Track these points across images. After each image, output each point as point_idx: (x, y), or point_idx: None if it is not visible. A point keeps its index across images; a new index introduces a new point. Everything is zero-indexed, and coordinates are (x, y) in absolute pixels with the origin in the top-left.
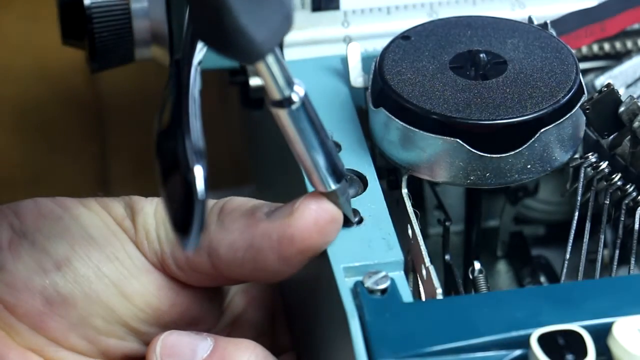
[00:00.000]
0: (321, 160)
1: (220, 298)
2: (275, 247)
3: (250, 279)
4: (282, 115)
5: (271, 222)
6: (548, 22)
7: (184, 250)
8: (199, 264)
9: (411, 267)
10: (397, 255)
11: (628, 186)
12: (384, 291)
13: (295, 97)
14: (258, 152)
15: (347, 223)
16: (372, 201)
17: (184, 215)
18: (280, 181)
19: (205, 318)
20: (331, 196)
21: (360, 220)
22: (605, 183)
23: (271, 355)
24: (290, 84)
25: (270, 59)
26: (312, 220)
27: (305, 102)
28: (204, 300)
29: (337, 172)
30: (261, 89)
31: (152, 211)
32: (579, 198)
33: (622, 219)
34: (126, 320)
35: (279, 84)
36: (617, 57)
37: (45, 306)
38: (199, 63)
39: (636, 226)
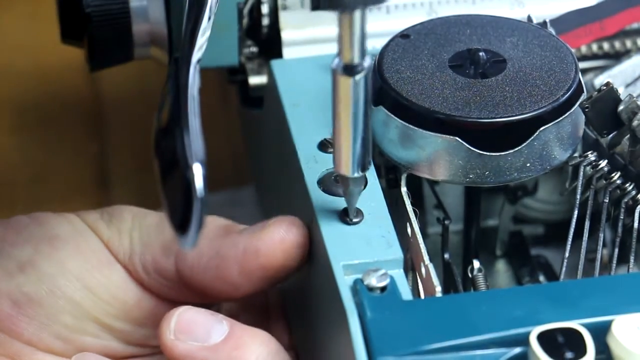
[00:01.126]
0: (359, 142)
1: None
2: (239, 257)
3: (210, 291)
4: (345, 83)
5: (241, 233)
6: (547, 21)
7: (182, 248)
8: (165, 266)
9: (410, 266)
10: (397, 253)
11: (627, 185)
12: (383, 289)
13: (364, 65)
14: (257, 152)
15: (345, 217)
16: (371, 199)
17: (183, 214)
18: (280, 181)
19: None
20: (349, 183)
21: (359, 222)
22: (604, 182)
23: (283, 350)
24: (364, 52)
25: (357, 14)
26: (278, 239)
27: (368, 75)
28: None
29: (365, 162)
30: (260, 88)
31: (130, 216)
32: (578, 197)
33: (622, 217)
34: (95, 315)
35: (355, 47)
36: (617, 57)
37: (14, 309)
38: (198, 61)
39: (635, 225)
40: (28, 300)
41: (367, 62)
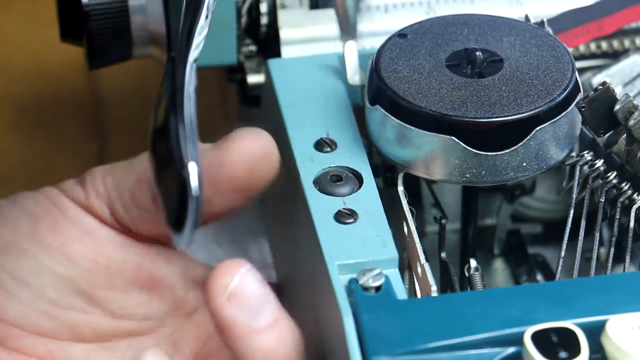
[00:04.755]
0: None
1: (178, 261)
2: (206, 171)
3: None
4: None
5: (209, 149)
6: (545, 20)
7: (177, 247)
8: (142, 196)
9: (407, 265)
10: (392, 252)
11: (624, 184)
12: (378, 288)
13: None
14: None
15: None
16: (367, 199)
17: (178, 212)
18: (276, 180)
19: (166, 281)
20: None
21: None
22: (600, 181)
23: (303, 347)
24: None
25: None
26: (243, 149)
27: None
28: (159, 260)
29: None
30: (259, 87)
31: (102, 170)
32: (574, 196)
33: (618, 217)
34: (80, 286)
35: None
36: (615, 56)
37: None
38: (195, 60)
39: (631, 224)
40: (13, 280)
41: None
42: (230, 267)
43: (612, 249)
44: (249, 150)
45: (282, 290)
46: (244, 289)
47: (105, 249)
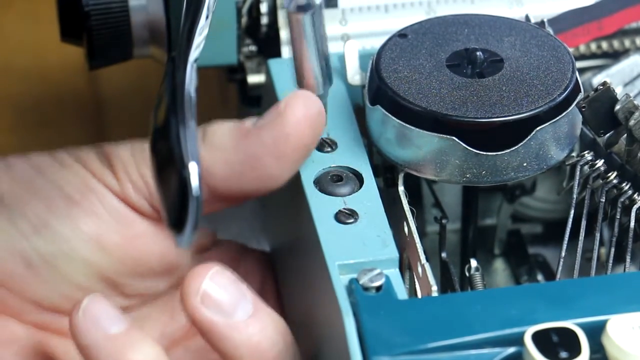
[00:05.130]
0: (317, 66)
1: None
2: (272, 149)
3: (250, 193)
4: (302, 19)
5: (261, 128)
6: (545, 20)
7: (177, 247)
8: None
9: (407, 265)
10: (392, 252)
11: (624, 184)
12: (378, 288)
13: (314, 3)
14: None
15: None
16: (367, 199)
17: (179, 212)
18: None
19: (180, 264)
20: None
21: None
22: (601, 181)
23: (294, 344)
24: None
25: None
26: (302, 116)
27: (319, 10)
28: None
29: (325, 81)
30: (259, 87)
31: (129, 154)
32: (574, 196)
33: (618, 217)
34: (107, 275)
35: None
36: (615, 56)
37: (28, 270)
38: (195, 60)
39: (632, 224)
40: (43, 263)
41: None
42: (199, 271)
43: (613, 249)
44: (308, 115)
45: (282, 289)
46: (215, 289)
47: (138, 241)
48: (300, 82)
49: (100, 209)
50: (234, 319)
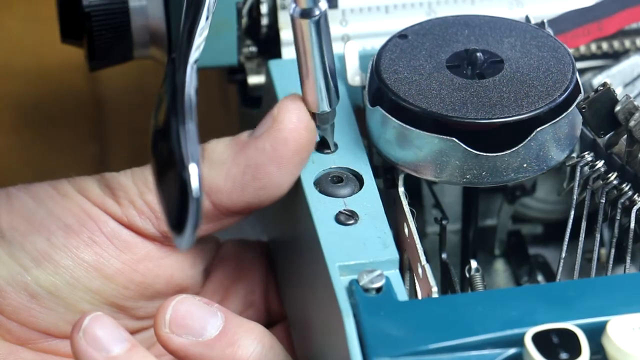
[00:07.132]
0: (325, 79)
1: (201, 262)
2: (272, 155)
3: (255, 203)
4: (305, 25)
5: (259, 137)
6: (545, 21)
7: (178, 249)
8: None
9: (408, 266)
10: (393, 253)
11: (624, 185)
12: (379, 290)
13: (320, 9)
14: None
15: (326, 148)
16: (368, 200)
17: (179, 213)
18: None
19: (189, 284)
20: (320, 118)
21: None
22: (601, 182)
23: (278, 344)
24: None
25: None
26: (296, 120)
27: (324, 17)
28: (185, 266)
29: (331, 98)
30: (259, 88)
31: (130, 182)
32: (574, 197)
33: (618, 217)
34: (112, 300)
35: None
36: (615, 57)
37: (32, 301)
38: (195, 61)
39: (632, 225)
40: (47, 294)
41: (323, 3)
42: (164, 304)
43: (613, 250)
44: (302, 118)
45: (282, 290)
46: (182, 313)
47: (141, 265)
48: (304, 95)
49: (101, 236)
50: (205, 337)
